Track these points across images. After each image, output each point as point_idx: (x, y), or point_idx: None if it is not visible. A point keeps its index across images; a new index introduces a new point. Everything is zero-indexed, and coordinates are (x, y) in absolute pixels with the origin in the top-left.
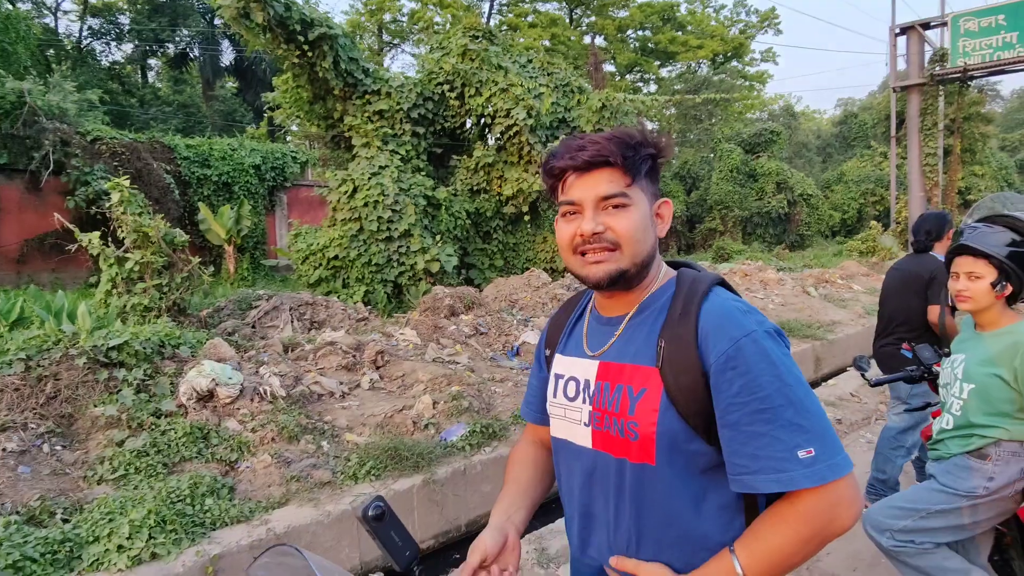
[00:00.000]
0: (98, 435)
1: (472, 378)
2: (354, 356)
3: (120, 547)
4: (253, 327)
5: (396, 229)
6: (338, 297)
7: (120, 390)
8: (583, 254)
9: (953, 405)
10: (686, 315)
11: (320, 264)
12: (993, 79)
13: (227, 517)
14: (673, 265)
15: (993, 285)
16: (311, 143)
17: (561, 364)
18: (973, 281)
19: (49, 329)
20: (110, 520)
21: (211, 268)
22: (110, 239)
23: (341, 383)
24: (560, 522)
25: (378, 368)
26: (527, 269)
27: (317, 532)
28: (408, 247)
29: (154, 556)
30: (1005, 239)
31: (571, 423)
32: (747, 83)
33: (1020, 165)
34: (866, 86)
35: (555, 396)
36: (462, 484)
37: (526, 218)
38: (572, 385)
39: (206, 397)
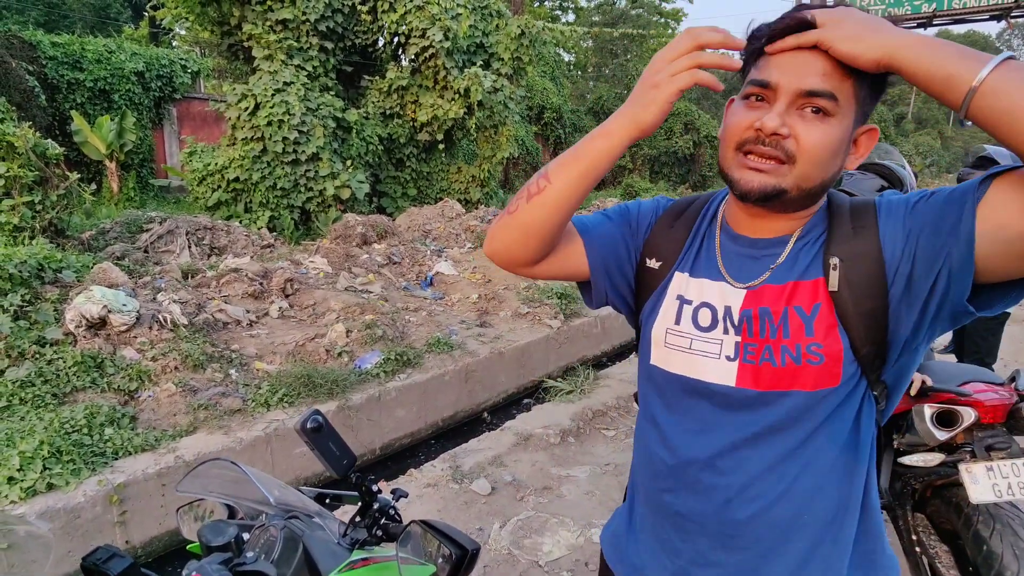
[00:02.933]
0: None
1: (385, 307)
2: (261, 284)
3: (11, 479)
4: (145, 252)
5: (303, 152)
6: (240, 222)
7: None
8: (747, 153)
9: None
10: (862, 228)
11: (219, 186)
12: None
13: (130, 446)
14: None
15: None
16: (203, 50)
17: (688, 286)
18: None
19: None
20: None
21: (92, 186)
22: None
23: (248, 311)
24: (473, 442)
25: (287, 296)
26: (441, 199)
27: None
28: (316, 171)
29: (51, 487)
30: (875, 185)
31: (701, 356)
32: (663, 20)
33: (897, 118)
34: None
35: (678, 323)
36: (377, 410)
37: (440, 147)
38: (706, 313)
39: (98, 325)
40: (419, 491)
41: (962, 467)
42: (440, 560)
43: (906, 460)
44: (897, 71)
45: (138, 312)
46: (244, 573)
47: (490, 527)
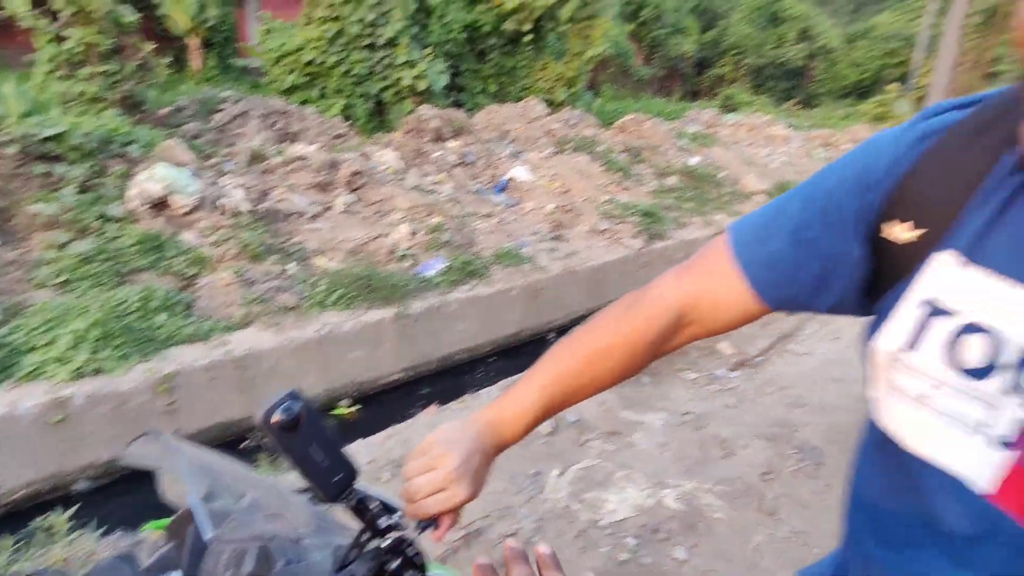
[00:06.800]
0: (38, 235)
1: (454, 210)
2: (328, 174)
3: (59, 359)
4: (220, 132)
5: (380, 35)
6: (315, 108)
7: (60, 188)
8: None
9: None
10: None
11: (294, 68)
12: None
13: (182, 335)
14: None
15: None
16: None
17: (956, 281)
18: None
19: None
20: (49, 330)
21: (170, 59)
22: (51, 12)
23: (313, 203)
24: None
25: (354, 190)
26: (523, 98)
27: (279, 359)
28: (393, 58)
29: (98, 371)
30: None
31: (956, 427)
32: None
33: None
34: None
35: (914, 347)
36: (437, 321)
37: (527, 38)
38: (980, 342)
39: (160, 204)
40: None
41: None
42: None
43: None
44: None
45: (201, 194)
46: None
47: (548, 472)
